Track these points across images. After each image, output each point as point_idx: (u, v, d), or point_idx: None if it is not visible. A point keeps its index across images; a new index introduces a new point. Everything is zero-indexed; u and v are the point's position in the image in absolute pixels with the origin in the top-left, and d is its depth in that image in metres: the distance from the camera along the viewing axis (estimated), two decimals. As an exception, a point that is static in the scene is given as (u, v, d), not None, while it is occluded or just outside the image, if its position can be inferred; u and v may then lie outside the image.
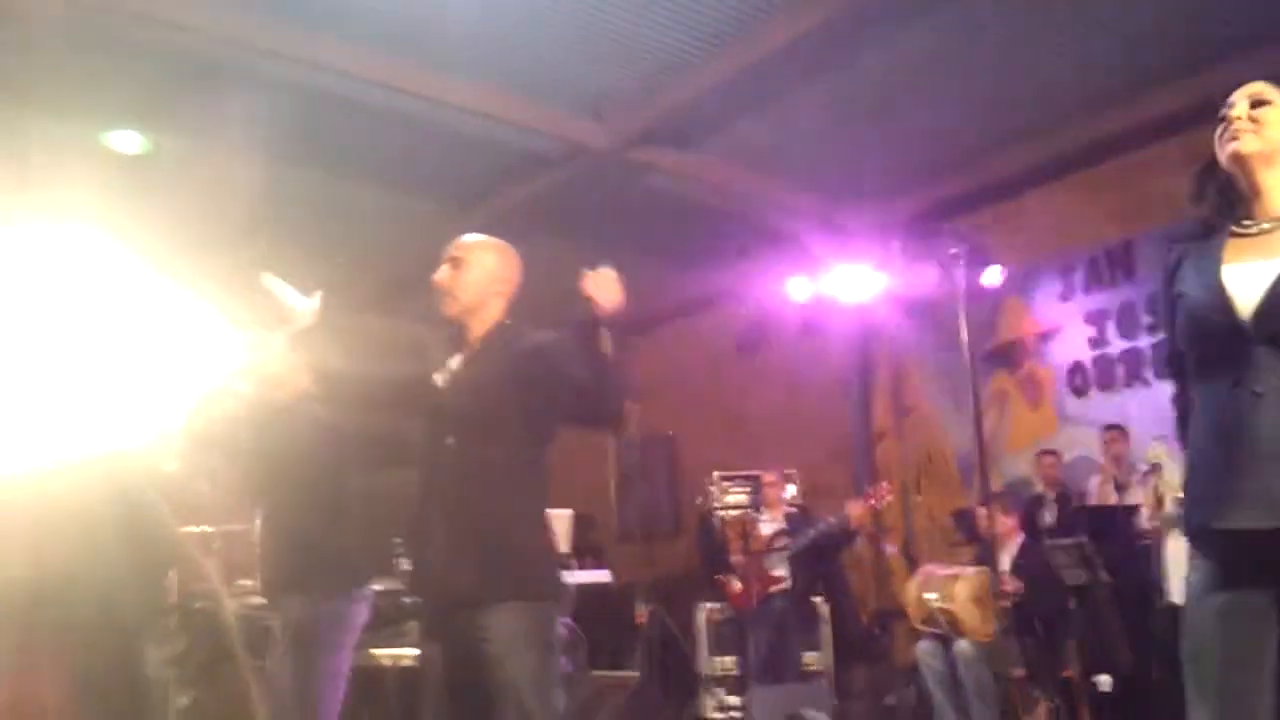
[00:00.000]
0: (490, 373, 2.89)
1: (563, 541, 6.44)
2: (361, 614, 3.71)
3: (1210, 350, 2.17)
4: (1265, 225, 2.18)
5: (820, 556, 6.82)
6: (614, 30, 5.58)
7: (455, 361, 2.99)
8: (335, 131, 6.36)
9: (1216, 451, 2.13)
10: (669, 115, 6.32)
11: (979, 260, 6.18)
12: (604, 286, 2.77)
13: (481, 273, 3.00)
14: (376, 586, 5.78)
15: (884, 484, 6.94)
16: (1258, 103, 2.21)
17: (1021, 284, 7.36)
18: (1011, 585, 5.62)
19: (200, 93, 5.74)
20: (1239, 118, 2.19)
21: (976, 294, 6.33)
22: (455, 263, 3.00)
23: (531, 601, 2.77)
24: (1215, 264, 2.18)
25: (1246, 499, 2.06)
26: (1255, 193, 2.21)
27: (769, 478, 7.33)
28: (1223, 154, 2.22)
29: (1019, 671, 5.54)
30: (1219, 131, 2.24)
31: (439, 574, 2.81)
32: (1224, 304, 2.13)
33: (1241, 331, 2.10)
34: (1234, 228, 2.22)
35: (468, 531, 2.77)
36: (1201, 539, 2.17)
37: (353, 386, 3.30)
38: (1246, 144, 2.18)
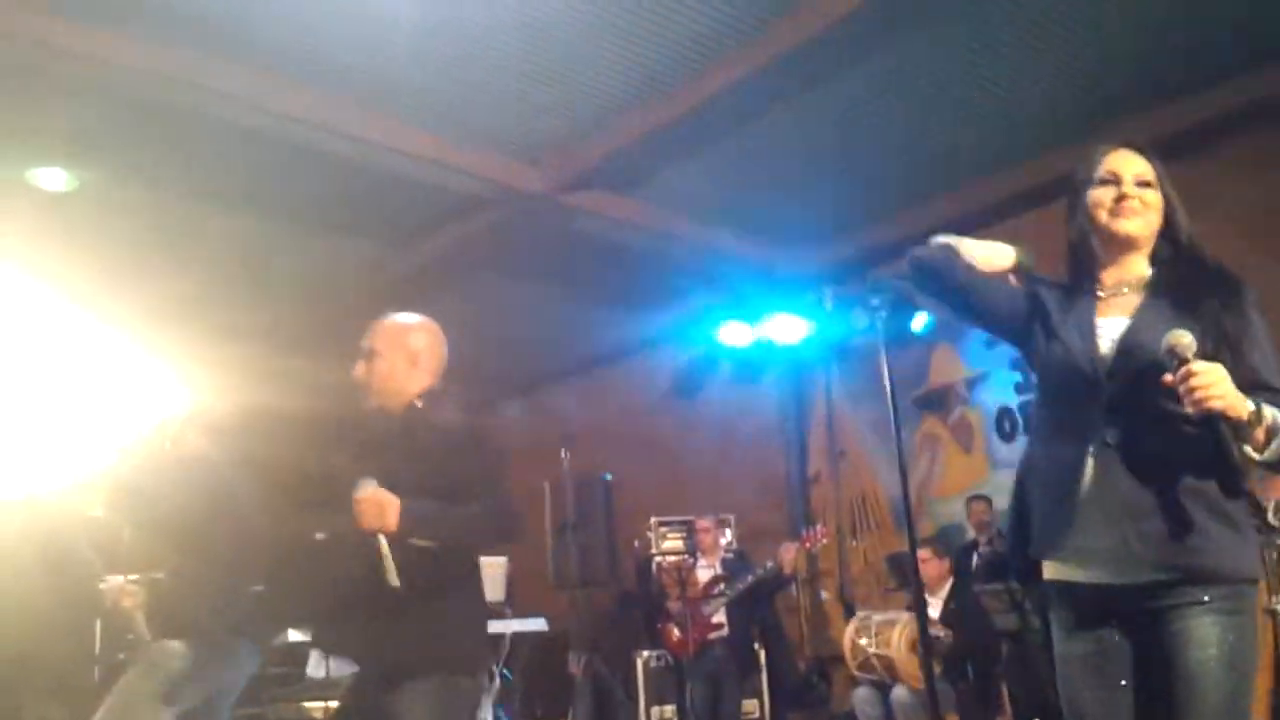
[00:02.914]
0: (407, 462, 2.79)
1: (497, 589, 6.35)
2: (240, 674, 3.67)
3: (1070, 395, 2.22)
4: (1124, 290, 2.26)
5: (756, 602, 6.81)
6: (549, 76, 5.61)
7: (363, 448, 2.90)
8: (272, 172, 6.29)
9: (1060, 496, 2.18)
10: (603, 160, 6.35)
11: (908, 307, 6.29)
12: (369, 512, 2.61)
13: (399, 360, 2.89)
14: (302, 637, 5.69)
15: (820, 526, 6.96)
16: (1143, 183, 2.26)
17: (951, 330, 7.50)
18: (942, 633, 5.67)
19: (131, 131, 5.66)
20: (1131, 197, 2.24)
21: (906, 340, 6.43)
22: (371, 355, 2.88)
23: (443, 676, 2.69)
24: (1090, 315, 2.25)
25: (1095, 554, 2.13)
26: (1114, 263, 2.29)
27: (703, 524, 7.32)
28: (1110, 226, 2.26)
29: (953, 717, 5.57)
30: (1109, 198, 2.26)
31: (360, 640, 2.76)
32: (1093, 350, 2.19)
33: (1100, 379, 2.16)
34: (1097, 291, 2.28)
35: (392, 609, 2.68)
36: (1055, 588, 2.23)
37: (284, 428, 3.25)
38: (1136, 227, 2.25)
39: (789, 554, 6.62)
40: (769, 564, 6.69)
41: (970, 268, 2.39)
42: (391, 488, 2.70)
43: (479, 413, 3.00)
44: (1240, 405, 1.95)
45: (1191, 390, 1.94)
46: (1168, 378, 1.98)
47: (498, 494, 2.79)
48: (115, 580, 4.26)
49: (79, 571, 3.94)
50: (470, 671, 2.78)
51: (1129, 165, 2.27)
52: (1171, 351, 1.98)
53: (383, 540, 2.60)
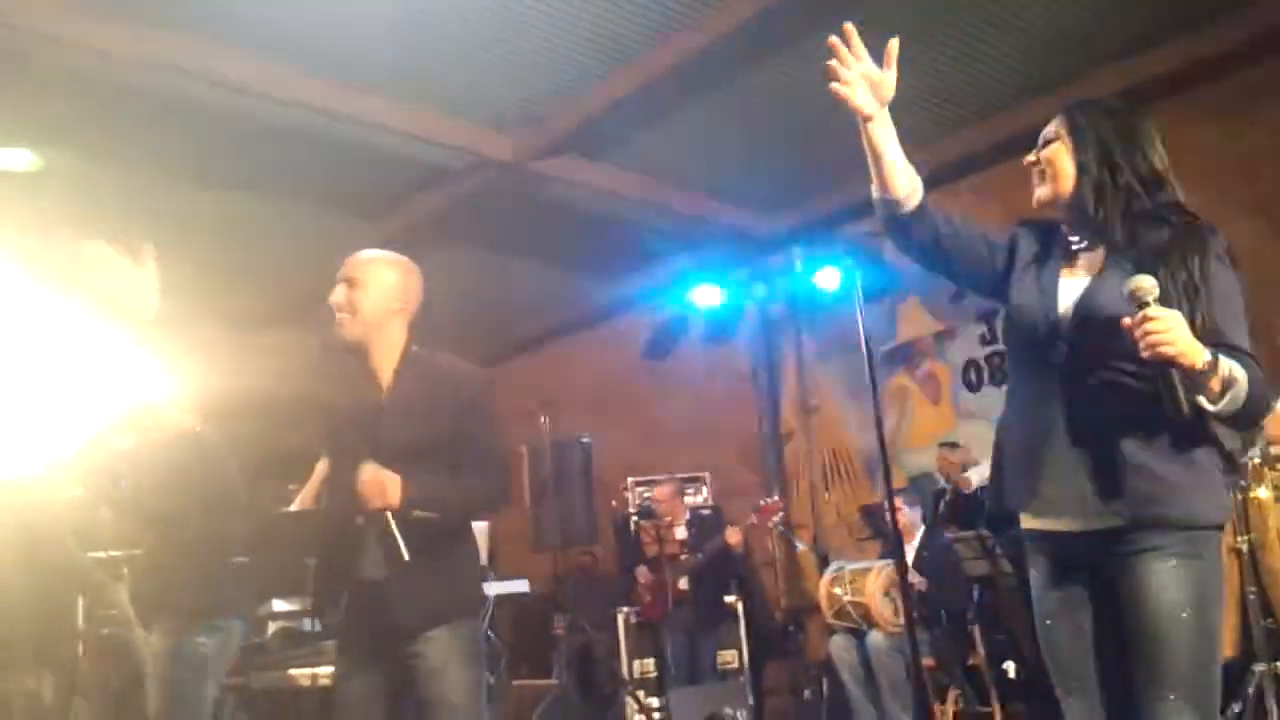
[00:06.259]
0: (419, 407, 2.81)
1: (480, 553, 6.42)
2: (229, 645, 3.69)
3: (1031, 352, 2.28)
4: (1089, 249, 2.29)
5: (717, 570, 6.93)
6: (518, 45, 5.61)
7: (367, 388, 2.88)
8: (238, 146, 6.26)
9: (1028, 451, 2.26)
10: (573, 127, 6.36)
11: (877, 263, 6.37)
12: (372, 492, 2.68)
13: (381, 291, 2.87)
14: (286, 606, 5.74)
15: (775, 499, 7.09)
16: (1045, 142, 2.33)
17: (918, 285, 7.58)
18: (916, 581, 5.79)
19: (97, 109, 5.62)
20: (1035, 162, 2.34)
21: (873, 295, 6.51)
22: (351, 283, 2.87)
23: (464, 620, 2.81)
24: (1055, 274, 2.30)
25: (1060, 502, 2.21)
26: (1070, 224, 2.34)
27: (661, 492, 7.41)
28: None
29: (928, 661, 5.71)
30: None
31: (379, 599, 2.76)
32: (1052, 307, 2.25)
33: (1059, 336, 2.22)
34: (1070, 249, 2.32)
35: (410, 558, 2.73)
36: (1029, 536, 2.32)
37: (253, 403, 3.27)
38: (1040, 193, 2.34)
39: (735, 535, 6.76)
40: (717, 539, 6.82)
41: (924, 211, 2.36)
42: (395, 447, 2.74)
43: (477, 364, 3.02)
44: (1195, 354, 1.96)
45: (1146, 335, 1.96)
46: (1125, 321, 2.00)
47: (497, 455, 2.90)
48: (96, 556, 4.28)
49: (56, 551, 3.96)
50: (480, 614, 2.98)
51: (1046, 128, 2.34)
52: (1132, 295, 2.00)
53: (389, 517, 2.67)
